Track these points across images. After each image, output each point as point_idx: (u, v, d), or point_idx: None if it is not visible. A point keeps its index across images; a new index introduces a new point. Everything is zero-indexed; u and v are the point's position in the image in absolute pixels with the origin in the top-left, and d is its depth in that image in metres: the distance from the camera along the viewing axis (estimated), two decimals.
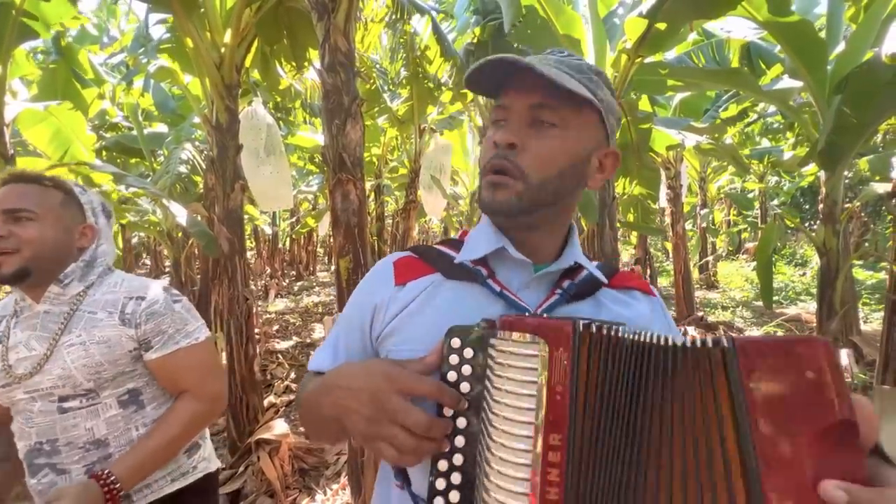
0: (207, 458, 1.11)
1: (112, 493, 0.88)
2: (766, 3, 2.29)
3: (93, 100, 4.60)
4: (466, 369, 0.50)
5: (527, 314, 0.57)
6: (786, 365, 0.38)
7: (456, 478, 0.49)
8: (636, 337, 0.44)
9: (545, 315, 0.57)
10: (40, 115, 3.18)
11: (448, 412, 0.50)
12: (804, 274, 9.29)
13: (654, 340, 0.44)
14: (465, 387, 0.50)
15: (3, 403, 0.98)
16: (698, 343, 0.42)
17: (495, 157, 0.59)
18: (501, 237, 0.62)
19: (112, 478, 0.89)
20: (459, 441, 0.50)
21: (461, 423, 0.50)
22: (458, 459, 0.50)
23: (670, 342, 0.43)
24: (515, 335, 0.47)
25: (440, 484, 0.49)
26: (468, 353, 0.51)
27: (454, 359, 0.51)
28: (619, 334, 0.45)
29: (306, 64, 3.22)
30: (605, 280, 0.64)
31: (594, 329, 0.45)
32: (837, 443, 0.36)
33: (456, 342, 0.51)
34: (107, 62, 6.25)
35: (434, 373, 0.52)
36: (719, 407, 0.40)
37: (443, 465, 0.50)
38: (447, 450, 0.50)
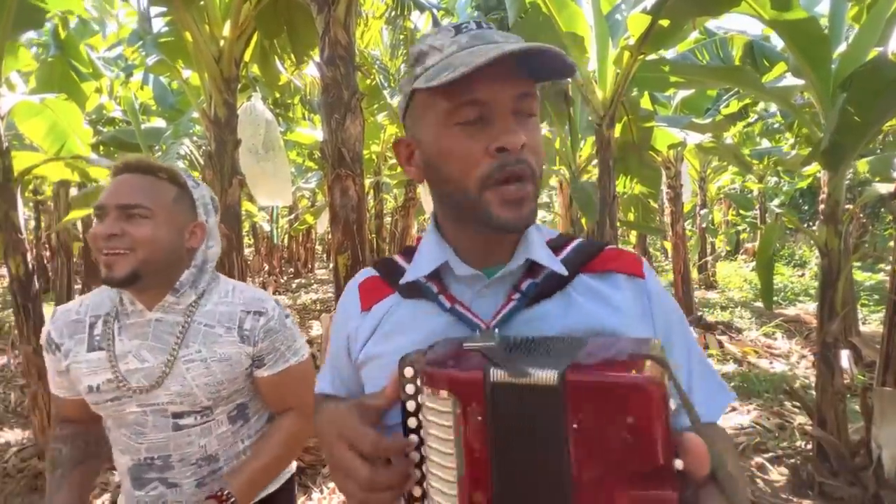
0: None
1: None
2: (772, 1, 2.27)
3: (91, 94, 4.55)
4: (422, 397, 0.49)
5: (477, 331, 0.53)
6: (608, 407, 0.38)
7: None
8: (521, 380, 0.41)
9: (495, 329, 0.53)
10: (36, 108, 3.14)
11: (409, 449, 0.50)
12: (802, 275, 9.30)
13: (528, 381, 0.41)
14: (423, 416, 0.49)
15: (103, 413, 0.91)
16: (547, 380, 0.40)
17: (511, 163, 0.50)
18: (445, 248, 0.58)
19: (233, 499, 0.87)
20: (418, 473, 0.50)
21: (415, 456, 0.50)
22: (417, 492, 0.51)
23: (535, 380, 0.41)
24: (433, 391, 0.45)
25: None
26: (419, 381, 0.49)
27: (410, 388, 0.49)
28: (517, 380, 0.41)
29: (306, 59, 3.19)
30: (564, 272, 0.56)
31: (501, 376, 0.42)
32: (651, 483, 0.37)
33: (409, 371, 0.49)
34: (105, 55, 6.20)
35: (396, 402, 0.52)
36: (558, 442, 0.40)
37: (411, 493, 0.50)
38: (408, 485, 0.50)
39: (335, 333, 0.68)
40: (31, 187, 7.93)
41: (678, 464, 0.37)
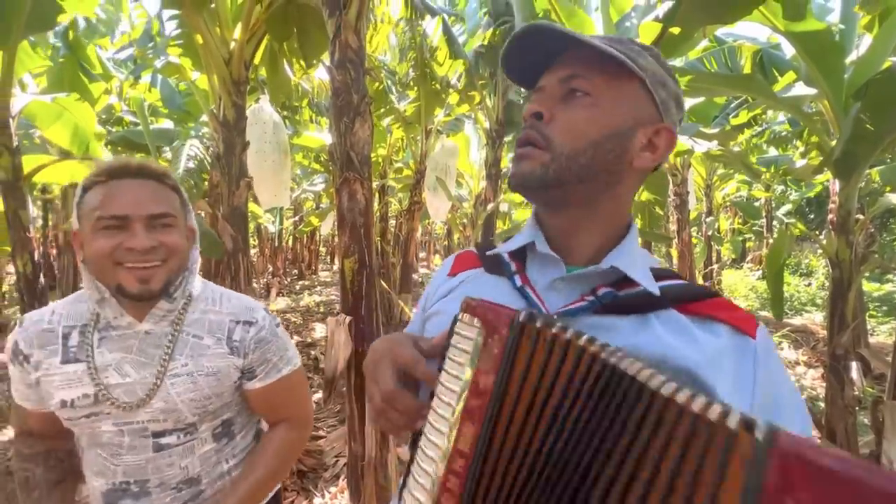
0: None
1: None
2: (783, 9, 2.26)
3: (100, 94, 4.59)
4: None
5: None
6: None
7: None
8: (611, 358, 0.37)
9: (556, 317, 0.51)
10: (57, 111, 3.17)
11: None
12: (809, 284, 9.22)
13: (635, 373, 0.35)
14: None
15: (76, 430, 0.84)
16: (713, 412, 0.31)
17: (522, 129, 0.56)
18: (536, 231, 0.59)
19: None
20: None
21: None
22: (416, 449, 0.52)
23: (659, 387, 0.33)
24: (465, 317, 0.45)
25: (414, 458, 0.49)
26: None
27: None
28: (585, 343, 0.39)
29: (315, 63, 3.20)
30: (656, 292, 0.52)
31: (543, 324, 0.41)
32: None
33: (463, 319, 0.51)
34: (114, 57, 6.26)
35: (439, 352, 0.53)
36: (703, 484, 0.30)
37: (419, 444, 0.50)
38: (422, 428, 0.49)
39: (425, 292, 0.72)
40: (39, 186, 8.00)
41: None
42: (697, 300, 0.53)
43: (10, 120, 2.49)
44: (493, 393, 0.41)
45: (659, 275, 0.56)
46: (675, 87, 0.56)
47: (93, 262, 0.78)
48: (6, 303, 7.86)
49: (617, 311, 0.52)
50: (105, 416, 0.81)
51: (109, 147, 5.82)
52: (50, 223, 9.90)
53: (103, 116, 6.02)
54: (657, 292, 0.52)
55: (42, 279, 2.61)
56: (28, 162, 2.74)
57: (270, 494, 0.99)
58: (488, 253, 0.64)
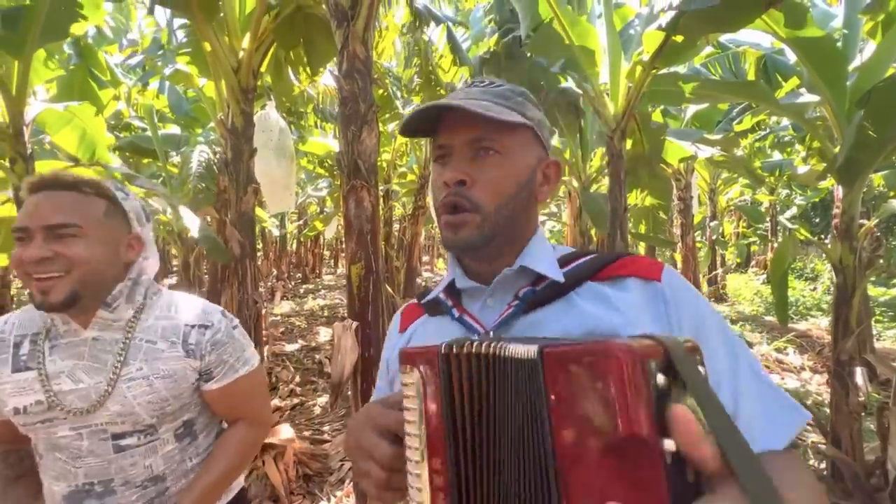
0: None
1: None
2: (785, 17, 2.28)
3: (108, 101, 4.66)
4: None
5: (476, 335, 0.59)
6: (581, 375, 0.36)
7: None
8: (485, 349, 0.44)
9: (491, 332, 0.59)
10: (66, 117, 3.23)
11: None
12: (815, 289, 9.18)
13: (495, 352, 0.43)
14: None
15: (33, 436, 0.86)
16: (519, 354, 0.41)
17: (448, 195, 0.60)
18: (454, 267, 0.66)
19: None
20: None
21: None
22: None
23: (507, 353, 0.42)
24: (404, 368, 0.49)
25: None
26: None
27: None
28: (476, 350, 0.45)
29: (321, 70, 3.25)
30: (560, 279, 0.59)
31: (457, 349, 0.46)
32: (631, 459, 0.34)
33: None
34: (125, 63, 6.35)
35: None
36: (538, 414, 0.40)
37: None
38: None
39: (383, 360, 0.75)
40: None
41: (668, 443, 0.33)
42: (605, 266, 0.60)
43: (25, 128, 2.54)
44: (443, 417, 0.46)
45: (568, 259, 0.63)
46: (544, 117, 0.65)
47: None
48: (14, 306, 7.95)
49: (542, 304, 0.59)
50: (61, 421, 0.83)
51: (118, 152, 5.90)
52: None
53: (112, 122, 6.10)
54: (561, 278, 0.59)
55: None
56: (40, 168, 2.80)
57: (233, 493, 1.02)
58: (424, 301, 0.69)
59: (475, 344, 0.45)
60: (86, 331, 0.85)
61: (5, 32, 2.06)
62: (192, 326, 0.91)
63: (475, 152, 0.60)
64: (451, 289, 0.66)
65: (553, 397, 0.38)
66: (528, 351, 0.40)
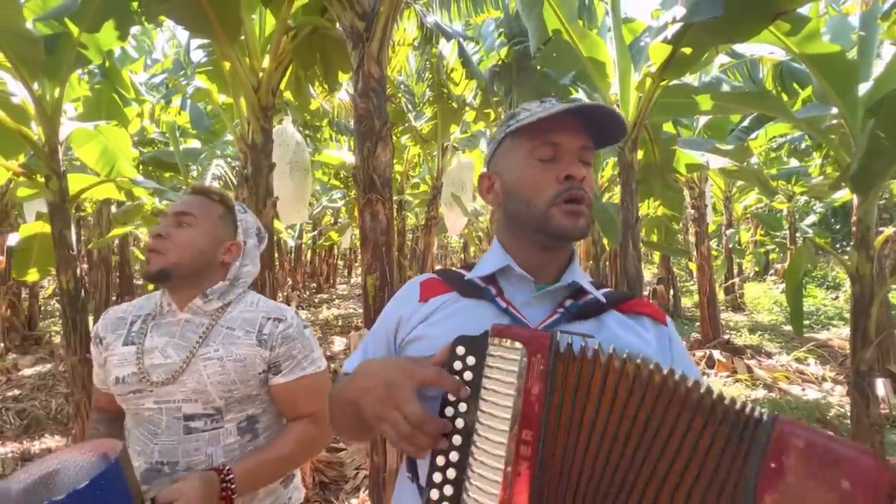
0: (298, 488, 1.11)
1: (228, 490, 0.87)
2: (792, 29, 2.30)
3: (133, 118, 4.86)
4: (467, 374, 0.55)
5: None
6: (822, 468, 0.37)
7: (451, 473, 0.53)
8: (630, 364, 0.48)
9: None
10: (90, 133, 3.38)
11: (449, 412, 0.55)
12: (836, 297, 8.96)
13: (650, 373, 0.47)
14: (463, 391, 0.55)
15: (126, 407, 0.97)
16: (725, 400, 0.44)
17: (572, 188, 0.65)
18: (507, 256, 0.70)
19: (231, 476, 0.88)
20: (457, 440, 0.54)
21: (459, 423, 0.54)
22: (453, 456, 0.54)
23: (676, 379, 0.46)
24: (505, 342, 0.52)
25: (437, 477, 0.53)
26: (470, 359, 0.55)
27: (457, 364, 0.56)
28: (605, 355, 0.49)
29: (338, 86, 3.35)
30: (604, 301, 0.68)
31: (571, 343, 0.51)
32: None
33: (460, 349, 0.56)
34: (149, 81, 6.60)
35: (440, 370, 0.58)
36: (724, 476, 0.42)
37: (440, 460, 0.54)
38: (445, 447, 0.54)
39: (382, 320, 0.75)
40: (74, 204, 8.38)
41: None
42: (625, 301, 0.70)
43: (59, 146, 2.68)
44: (545, 400, 0.49)
45: (596, 284, 0.72)
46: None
47: None
48: (41, 316, 8.20)
49: (580, 318, 0.66)
50: (148, 394, 0.93)
51: (141, 167, 6.11)
52: (83, 240, 10.33)
53: (135, 138, 6.34)
54: (603, 299, 0.68)
55: (83, 296, 2.77)
56: (72, 182, 2.94)
57: (290, 489, 1.06)
58: (464, 279, 0.71)
59: (595, 346, 0.50)
60: (181, 313, 0.99)
61: (46, 57, 2.19)
62: (268, 318, 1.00)
63: (580, 159, 0.67)
64: (487, 276, 0.69)
65: (772, 465, 0.39)
66: (752, 410, 0.43)
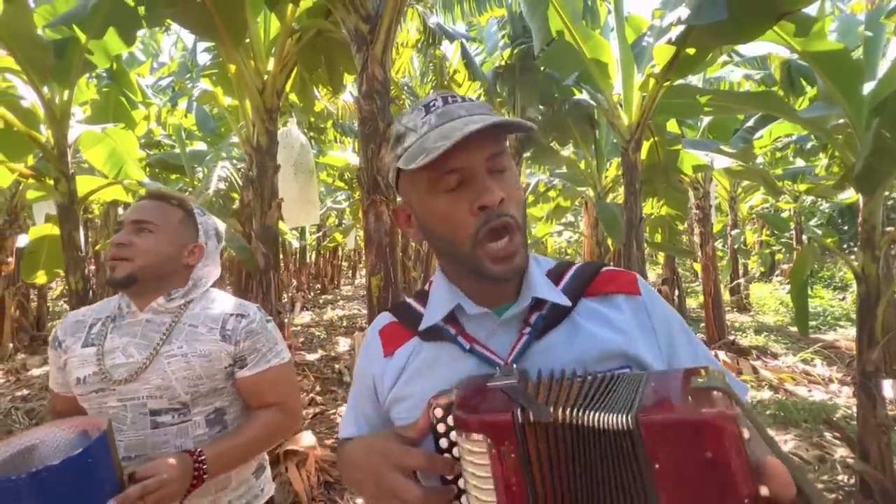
0: (269, 481, 1.14)
1: (200, 472, 0.89)
2: (796, 29, 2.29)
3: (140, 120, 4.91)
4: (456, 451, 0.52)
5: (497, 368, 0.57)
6: (686, 445, 0.39)
7: None
8: (570, 419, 0.46)
9: (514, 365, 0.56)
10: (98, 136, 3.43)
11: (449, 478, 0.53)
12: (843, 298, 8.88)
13: (585, 422, 0.45)
14: (456, 451, 0.52)
15: (88, 406, 0.98)
16: (613, 425, 0.43)
17: (493, 218, 0.56)
18: (455, 292, 0.63)
19: (203, 457, 0.90)
20: (464, 501, 0.52)
21: (462, 483, 0.52)
22: None
23: (595, 424, 0.44)
24: (465, 434, 0.49)
25: None
26: (453, 435, 0.52)
27: (441, 427, 0.53)
28: (559, 419, 0.46)
29: (342, 88, 3.38)
30: (568, 303, 0.61)
31: (536, 418, 0.46)
32: None
33: (438, 412, 0.53)
34: (156, 84, 6.66)
35: (427, 438, 0.55)
36: (638, 482, 0.42)
37: None
38: None
39: (359, 377, 0.72)
40: (82, 206, 8.46)
41: (763, 490, 0.38)
42: (591, 282, 0.64)
43: (67, 149, 2.71)
44: (527, 488, 0.47)
45: (556, 276, 0.65)
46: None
47: None
48: (49, 316, 8.30)
49: (549, 328, 0.61)
50: (110, 392, 0.94)
51: (147, 169, 6.17)
52: (90, 241, 10.43)
53: (142, 141, 6.40)
54: (568, 302, 0.61)
55: (91, 297, 2.80)
56: (80, 184, 2.98)
57: (266, 497, 1.08)
58: (422, 328, 0.65)
59: (558, 413, 0.46)
60: (142, 313, 1.00)
61: (55, 62, 2.23)
62: (231, 315, 1.03)
63: (492, 169, 0.57)
64: (448, 315, 0.63)
65: (657, 466, 0.40)
66: (621, 421, 0.42)
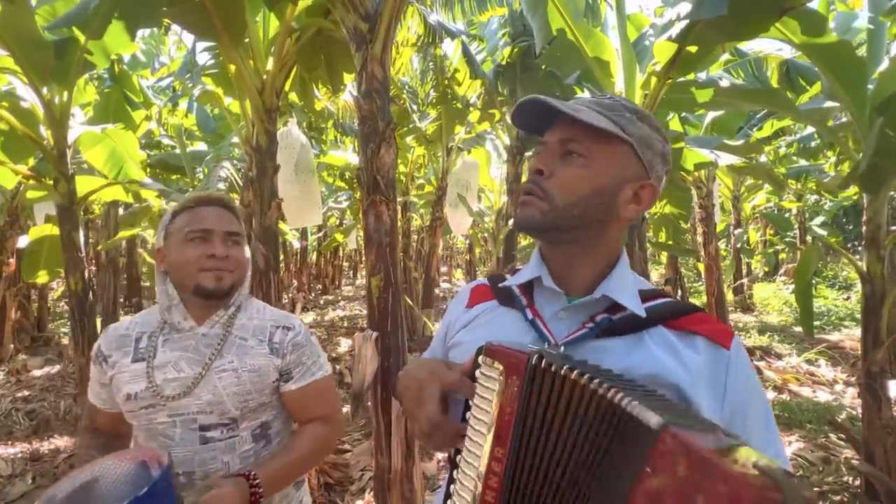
0: (306, 493, 1.13)
1: (256, 496, 0.89)
2: (801, 25, 2.26)
3: (141, 121, 4.91)
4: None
5: (546, 344, 0.62)
6: (692, 477, 0.36)
7: (454, 474, 0.58)
8: (592, 385, 0.47)
9: (562, 347, 0.61)
10: (97, 136, 3.42)
11: (468, 416, 0.58)
12: (848, 298, 8.83)
13: (603, 393, 0.45)
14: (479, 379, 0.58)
15: (136, 423, 0.96)
16: (636, 412, 0.42)
17: (527, 182, 0.66)
18: (542, 266, 0.68)
19: (258, 480, 0.90)
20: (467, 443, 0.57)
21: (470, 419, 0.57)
22: (459, 460, 0.58)
23: (616, 401, 0.44)
24: (490, 362, 0.55)
25: (454, 475, 0.58)
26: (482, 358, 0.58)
27: (478, 373, 0.59)
28: (576, 377, 0.48)
29: (342, 88, 3.36)
30: (643, 314, 0.61)
31: (550, 364, 0.50)
32: None
33: (481, 359, 0.59)
34: (156, 85, 6.66)
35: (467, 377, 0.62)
36: (618, 478, 0.43)
37: (456, 460, 0.58)
38: (460, 447, 0.58)
39: (444, 321, 0.81)
40: (82, 206, 8.47)
41: None
42: (680, 316, 0.63)
43: (67, 150, 2.71)
44: (515, 421, 0.51)
45: (647, 296, 0.65)
46: (661, 146, 0.65)
47: (178, 267, 0.97)
48: (50, 317, 8.31)
49: (613, 334, 0.61)
50: (161, 408, 0.93)
51: (148, 170, 6.17)
52: (91, 241, 10.45)
53: (143, 141, 6.41)
54: (643, 314, 0.61)
55: (91, 297, 2.79)
56: (80, 184, 2.97)
57: (301, 492, 1.08)
58: (500, 286, 0.73)
59: (575, 375, 0.48)
60: (200, 327, 0.99)
61: (55, 62, 2.22)
62: (277, 327, 1.03)
63: (565, 153, 0.63)
64: (526, 283, 0.69)
65: (648, 469, 0.40)
66: (647, 415, 0.41)
